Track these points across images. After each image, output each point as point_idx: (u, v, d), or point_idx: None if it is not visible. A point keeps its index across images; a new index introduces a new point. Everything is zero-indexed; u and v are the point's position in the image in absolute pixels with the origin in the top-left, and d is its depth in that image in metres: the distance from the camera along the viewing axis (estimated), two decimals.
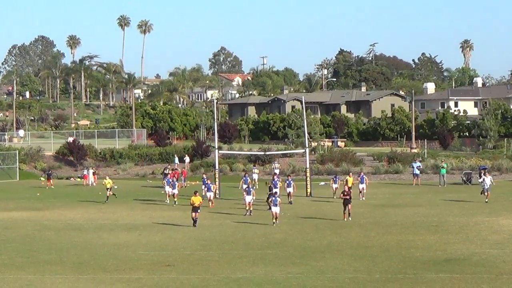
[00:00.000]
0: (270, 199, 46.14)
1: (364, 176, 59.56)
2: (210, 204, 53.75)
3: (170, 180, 58.12)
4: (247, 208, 49.43)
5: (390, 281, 29.84)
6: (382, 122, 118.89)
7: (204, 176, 60.07)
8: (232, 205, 54.91)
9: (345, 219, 45.12)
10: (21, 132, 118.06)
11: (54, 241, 40.76)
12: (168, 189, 58.11)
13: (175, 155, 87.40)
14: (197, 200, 44.37)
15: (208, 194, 54.71)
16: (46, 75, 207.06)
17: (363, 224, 44.58)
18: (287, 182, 55.40)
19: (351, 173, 61.29)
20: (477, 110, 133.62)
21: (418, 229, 42.88)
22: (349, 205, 45.66)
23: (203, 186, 56.69)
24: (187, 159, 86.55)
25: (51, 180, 76.66)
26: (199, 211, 44.45)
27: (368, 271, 31.67)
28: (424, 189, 65.59)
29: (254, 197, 50.66)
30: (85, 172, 79.72)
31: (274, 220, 44.67)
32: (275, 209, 44.67)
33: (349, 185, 54.45)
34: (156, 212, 52.70)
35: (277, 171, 75.33)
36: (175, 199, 55.91)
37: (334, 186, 59.51)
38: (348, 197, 45.64)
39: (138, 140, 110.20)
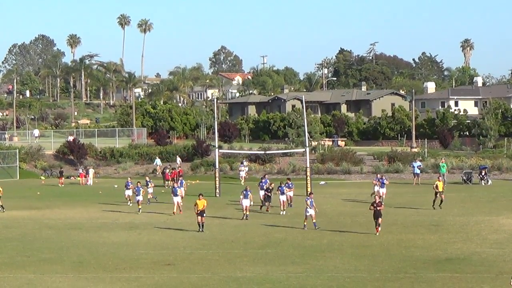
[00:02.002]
0: (307, 201, 43.40)
1: (384, 179, 56.50)
2: (179, 211, 50.26)
3: (140, 188, 52.73)
4: (244, 212, 47.97)
5: (391, 280, 29.85)
6: (383, 121, 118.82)
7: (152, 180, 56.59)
8: (232, 204, 54.87)
9: (377, 233, 40.29)
10: (36, 132, 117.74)
11: (54, 240, 40.78)
12: (128, 192, 55.89)
13: (157, 157, 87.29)
14: (201, 203, 42.56)
15: (175, 199, 50.49)
16: (46, 74, 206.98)
17: (364, 223, 44.55)
18: (288, 185, 53.26)
19: (440, 177, 54.80)
20: (477, 109, 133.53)
21: (419, 228, 42.90)
22: (380, 219, 40.70)
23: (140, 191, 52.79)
24: (178, 159, 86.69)
25: (63, 178, 78.12)
26: (204, 215, 42.58)
27: (368, 270, 31.69)
28: (424, 189, 65.49)
29: (252, 202, 48.92)
30: (81, 170, 79.85)
31: (306, 223, 43.00)
32: (311, 212, 42.96)
33: (440, 190, 50.60)
34: (156, 211, 52.68)
35: (245, 169, 77.16)
36: (140, 207, 51.83)
37: (377, 188, 55.20)
38: (379, 209, 40.72)
39: (138, 139, 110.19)
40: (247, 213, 48.02)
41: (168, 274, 31.55)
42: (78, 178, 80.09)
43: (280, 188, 51.15)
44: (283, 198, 50.94)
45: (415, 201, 55.74)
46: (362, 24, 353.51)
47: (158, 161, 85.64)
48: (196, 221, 42.84)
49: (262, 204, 52.32)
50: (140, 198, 52.00)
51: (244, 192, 48.47)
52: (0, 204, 53.62)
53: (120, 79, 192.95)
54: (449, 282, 29.49)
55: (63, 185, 75.92)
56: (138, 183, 53.48)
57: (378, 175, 57.95)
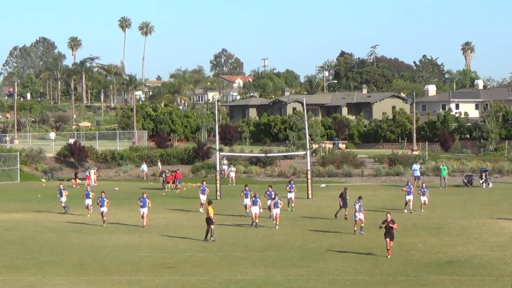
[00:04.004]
0: (356, 205, 41.94)
1: (425, 188, 52.72)
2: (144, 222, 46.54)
3: (105, 199, 47.67)
4: (255, 220, 45.44)
5: (391, 283, 29.85)
6: (383, 124, 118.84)
7: (103, 194, 48.61)
8: (233, 207, 54.83)
9: (389, 256, 35.25)
10: (52, 135, 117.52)
11: (55, 243, 40.79)
12: (88, 201, 52.27)
13: (143, 162, 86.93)
14: (210, 211, 40.65)
15: (142, 210, 46.69)
16: (47, 76, 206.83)
17: (364, 226, 44.54)
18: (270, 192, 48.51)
19: None
20: (478, 112, 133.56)
21: (419, 231, 42.88)
22: (392, 242, 35.57)
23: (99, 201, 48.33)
24: (159, 163, 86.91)
25: (77, 180, 78.83)
26: (213, 222, 40.59)
27: (369, 273, 31.69)
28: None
29: (261, 210, 45.99)
30: (87, 173, 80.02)
31: (356, 228, 41.95)
32: (360, 216, 41.91)
33: None
34: (157, 214, 52.62)
35: (234, 168, 78.89)
36: (104, 218, 47.54)
37: (408, 197, 51.63)
38: (391, 226, 35.62)
39: (139, 142, 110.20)
40: (257, 220, 45.67)
41: (169, 277, 31.55)
42: (80, 181, 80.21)
43: (274, 202, 45.89)
44: (276, 211, 45.52)
45: (416, 203, 55.64)
46: (363, 27, 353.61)
47: (144, 167, 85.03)
48: (206, 229, 40.78)
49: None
50: (104, 209, 47.46)
51: (253, 199, 46.02)
52: None
53: (121, 82, 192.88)
54: (450, 285, 29.49)
55: (79, 186, 76.01)
56: (103, 193, 48.46)
57: (409, 183, 53.92)
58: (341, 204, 47.74)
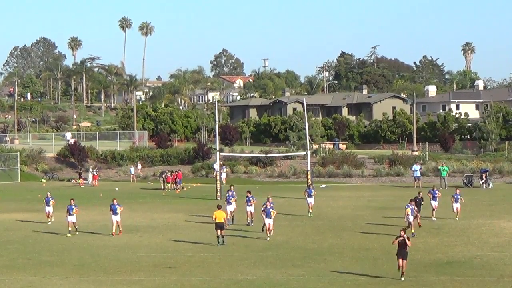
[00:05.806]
0: (407, 208, 40.78)
1: (459, 195, 48.40)
2: (118, 231, 43.16)
3: (73, 207, 43.55)
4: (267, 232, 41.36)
5: (391, 284, 29.85)
6: (384, 124, 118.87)
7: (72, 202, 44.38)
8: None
9: (402, 278, 30.52)
10: (68, 135, 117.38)
11: (55, 243, 40.79)
12: (48, 209, 48.71)
13: (132, 166, 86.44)
14: (220, 215, 38.93)
15: (114, 218, 43.01)
16: (47, 76, 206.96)
17: (364, 226, 44.55)
18: (249, 198, 45.75)
19: None
20: (478, 113, 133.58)
21: (420, 231, 42.83)
22: (405, 261, 30.84)
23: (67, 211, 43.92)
24: (139, 165, 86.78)
25: (82, 179, 79.78)
26: (225, 227, 39.02)
27: (369, 273, 31.66)
28: (425, 192, 65.37)
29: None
30: (95, 173, 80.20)
31: (413, 230, 40.74)
32: (410, 219, 41.02)
33: None
34: (157, 214, 52.69)
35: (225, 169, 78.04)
36: (70, 229, 43.44)
37: (434, 203, 48.51)
38: (405, 247, 30.98)
39: (140, 142, 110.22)
40: (271, 233, 42.02)
41: (169, 277, 31.56)
42: (79, 180, 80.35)
43: (265, 209, 41.36)
44: (269, 221, 41.08)
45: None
46: (363, 27, 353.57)
47: (132, 169, 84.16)
48: (216, 234, 39.06)
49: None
50: (73, 219, 43.45)
51: (266, 210, 41.81)
52: None
53: (121, 82, 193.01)
54: (450, 285, 29.49)
55: (83, 186, 77.30)
56: (72, 201, 44.20)
57: (435, 188, 50.23)
58: (416, 209, 43.94)
